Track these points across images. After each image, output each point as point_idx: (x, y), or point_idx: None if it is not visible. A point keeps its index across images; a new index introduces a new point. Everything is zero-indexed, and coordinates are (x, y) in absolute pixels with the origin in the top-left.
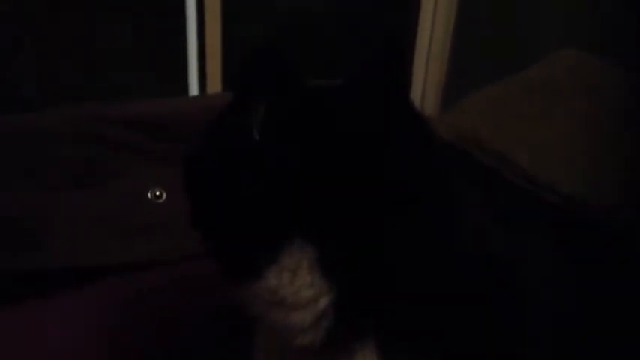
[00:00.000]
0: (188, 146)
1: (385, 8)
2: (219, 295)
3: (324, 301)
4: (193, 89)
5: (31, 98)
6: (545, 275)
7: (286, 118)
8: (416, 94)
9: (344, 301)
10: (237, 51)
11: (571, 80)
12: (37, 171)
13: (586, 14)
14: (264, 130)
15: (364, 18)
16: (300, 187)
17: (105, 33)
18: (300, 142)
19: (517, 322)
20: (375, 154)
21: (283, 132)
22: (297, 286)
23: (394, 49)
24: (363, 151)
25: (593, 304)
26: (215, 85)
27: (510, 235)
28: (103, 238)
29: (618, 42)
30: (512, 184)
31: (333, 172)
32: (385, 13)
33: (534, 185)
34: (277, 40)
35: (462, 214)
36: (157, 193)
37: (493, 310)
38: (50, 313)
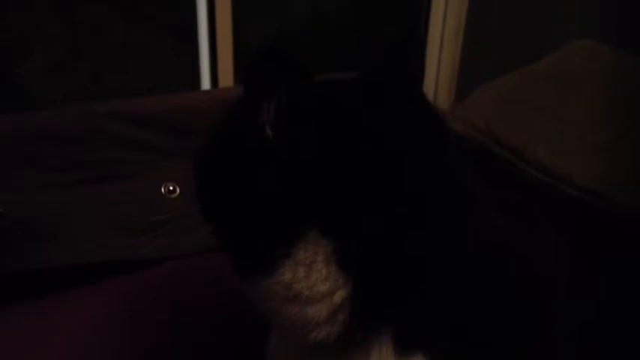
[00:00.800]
0: (198, 142)
1: (397, 0)
2: (232, 289)
3: (340, 295)
4: (205, 84)
5: (42, 97)
6: (561, 268)
7: (299, 114)
8: (429, 87)
9: (360, 295)
10: (249, 45)
11: (586, 70)
12: (48, 170)
13: (600, 3)
14: (277, 127)
15: (377, 13)
16: (315, 181)
17: (116, 29)
18: (315, 137)
19: (535, 316)
20: (391, 147)
21: (297, 128)
22: (312, 281)
23: (412, 43)
24: (380, 145)
25: (609, 296)
26: (227, 79)
27: (525, 227)
28: (116, 235)
29: (633, 31)
30: (526, 176)
31: (349, 166)
32: (397, 5)
33: (549, 177)
34: (289, 34)
35: (477, 208)
36: (171, 188)
37: (510, 304)
38: (62, 310)
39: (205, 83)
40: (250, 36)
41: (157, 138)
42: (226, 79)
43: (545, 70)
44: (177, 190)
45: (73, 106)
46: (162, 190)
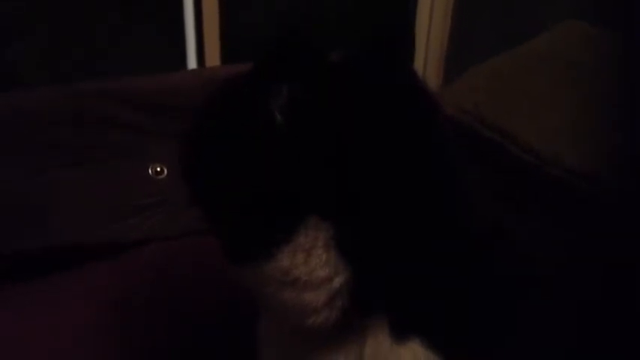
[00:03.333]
0: (186, 122)
1: None
2: (222, 271)
3: (338, 280)
4: (192, 65)
5: (31, 83)
6: (547, 249)
7: (314, 100)
8: (417, 69)
9: (358, 280)
10: (236, 27)
11: (574, 52)
12: (35, 151)
13: None
14: (289, 112)
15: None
16: (319, 167)
17: (101, 11)
18: (325, 123)
19: (528, 300)
20: (392, 133)
21: (309, 114)
22: (311, 266)
23: (402, 27)
24: (380, 131)
25: (595, 276)
26: (214, 61)
27: (513, 210)
28: (103, 217)
29: (617, 11)
30: (515, 159)
31: (354, 153)
32: None
33: (539, 159)
34: (277, 14)
35: (468, 190)
36: (158, 169)
37: (503, 288)
38: (46, 293)
39: (192, 64)
40: (238, 17)
41: (144, 118)
42: (213, 60)
43: (534, 53)
44: (165, 171)
45: (59, 86)
46: (150, 171)
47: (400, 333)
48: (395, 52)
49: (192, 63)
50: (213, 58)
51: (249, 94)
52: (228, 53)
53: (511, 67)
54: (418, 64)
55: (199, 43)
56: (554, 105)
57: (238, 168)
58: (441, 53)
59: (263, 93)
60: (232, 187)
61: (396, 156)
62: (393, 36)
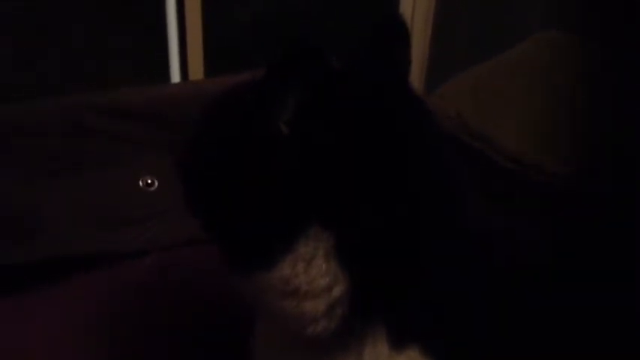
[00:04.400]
0: (182, 135)
1: None
2: (212, 283)
3: (338, 289)
4: (175, 76)
5: (6, 85)
6: (536, 253)
7: (320, 113)
8: None
9: (358, 289)
10: (219, 36)
11: (552, 60)
12: (24, 163)
13: None
14: (294, 124)
15: (346, 3)
16: (321, 177)
17: (83, 20)
18: (329, 135)
19: (524, 304)
20: (393, 144)
21: (315, 126)
22: (312, 275)
23: (399, 31)
24: (384, 143)
25: (582, 277)
26: (197, 72)
27: (499, 215)
28: (93, 227)
29: (595, 21)
30: (497, 165)
31: (353, 161)
32: None
33: (520, 165)
34: (261, 24)
35: (467, 202)
36: (149, 181)
37: (499, 294)
38: (39, 305)
39: (175, 75)
40: (221, 27)
41: (134, 130)
42: (196, 71)
43: (515, 61)
44: (156, 182)
45: (49, 99)
46: (141, 183)
47: (398, 340)
48: (394, 56)
49: (175, 75)
50: (197, 71)
51: (255, 105)
52: (211, 65)
53: (492, 75)
54: None
55: (182, 55)
56: (533, 111)
57: (241, 178)
58: (422, 61)
59: (269, 104)
60: (234, 197)
61: (398, 165)
62: (389, 39)
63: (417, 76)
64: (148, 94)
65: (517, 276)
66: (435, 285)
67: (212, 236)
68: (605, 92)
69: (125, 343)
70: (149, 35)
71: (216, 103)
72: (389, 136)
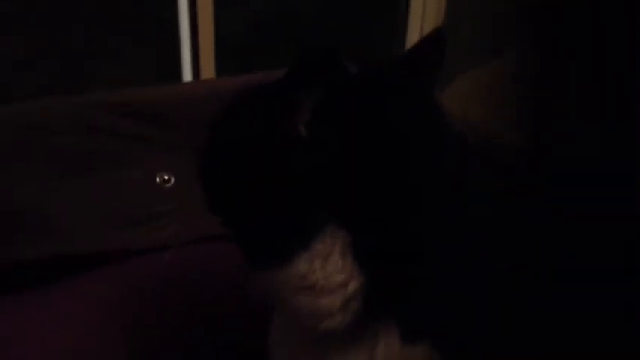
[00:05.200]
0: (203, 134)
1: None
2: (227, 280)
3: (353, 285)
4: (187, 74)
5: (8, 85)
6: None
7: (339, 115)
8: None
9: (372, 285)
10: (230, 35)
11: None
12: (39, 161)
13: None
14: (313, 126)
15: (357, 10)
16: (340, 177)
17: (96, 19)
18: (348, 137)
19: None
20: (413, 149)
21: (333, 128)
22: (328, 272)
23: (438, 43)
24: (403, 147)
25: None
26: (208, 70)
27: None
28: (110, 226)
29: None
30: (502, 164)
31: (375, 164)
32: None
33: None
34: (271, 24)
35: (471, 190)
36: (166, 178)
37: (502, 294)
38: (55, 300)
39: (187, 74)
40: (232, 25)
41: (150, 128)
42: (208, 69)
43: (513, 62)
44: (172, 180)
45: (62, 97)
46: (157, 179)
47: (410, 334)
48: (427, 62)
49: (187, 74)
50: (208, 69)
51: (274, 108)
52: (222, 64)
53: (499, 75)
54: None
55: (194, 54)
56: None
57: (259, 178)
58: None
59: (289, 107)
60: (253, 196)
61: (415, 165)
62: (428, 51)
63: None
64: (160, 93)
65: (517, 274)
66: (444, 279)
67: (231, 233)
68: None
69: (136, 341)
70: (161, 35)
71: (234, 103)
72: (403, 139)
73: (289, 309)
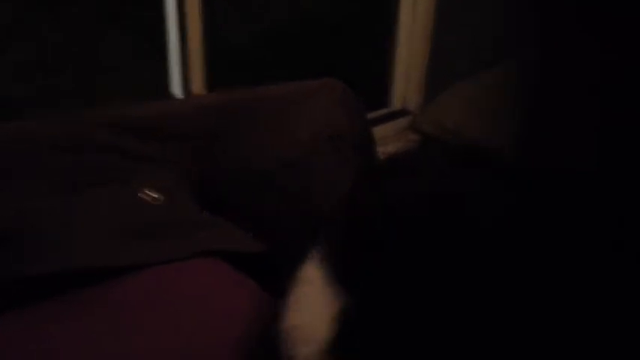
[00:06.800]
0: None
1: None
2: (215, 298)
3: None
4: (176, 90)
5: (18, 97)
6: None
7: None
8: (399, 88)
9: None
10: (220, 50)
11: None
12: (26, 179)
13: None
14: None
15: (346, 20)
16: None
17: (87, 33)
18: None
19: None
20: None
21: None
22: None
23: None
24: None
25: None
26: (197, 85)
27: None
28: (103, 241)
29: None
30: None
31: None
32: (365, 11)
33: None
34: (260, 39)
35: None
36: (155, 196)
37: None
38: (47, 317)
39: (176, 89)
40: (221, 41)
41: (144, 145)
42: (197, 85)
43: (502, 75)
44: (162, 198)
45: (58, 115)
46: (146, 197)
47: None
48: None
49: (176, 89)
50: (197, 85)
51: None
52: (212, 78)
53: (489, 87)
54: (399, 85)
55: (184, 69)
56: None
57: None
58: (422, 72)
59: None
60: None
61: None
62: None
63: (416, 87)
64: (150, 109)
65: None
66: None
67: None
68: None
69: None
70: (150, 50)
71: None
72: None
73: None
